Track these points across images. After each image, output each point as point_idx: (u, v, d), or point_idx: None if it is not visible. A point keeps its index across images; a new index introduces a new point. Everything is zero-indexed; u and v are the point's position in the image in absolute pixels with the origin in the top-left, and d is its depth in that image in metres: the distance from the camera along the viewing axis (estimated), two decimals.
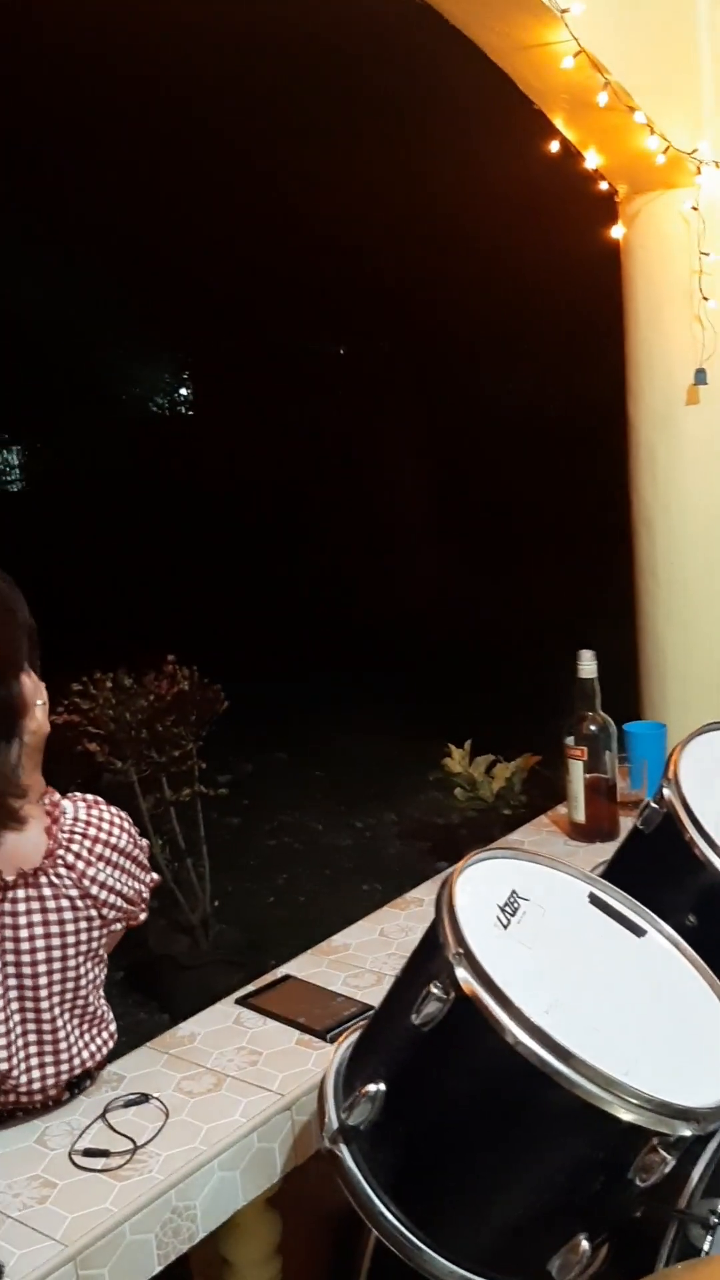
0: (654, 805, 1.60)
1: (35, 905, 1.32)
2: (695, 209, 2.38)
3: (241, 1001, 1.63)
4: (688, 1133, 1.09)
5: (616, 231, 2.52)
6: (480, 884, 1.25)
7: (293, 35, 6.55)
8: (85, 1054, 1.40)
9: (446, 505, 9.11)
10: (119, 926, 1.41)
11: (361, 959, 1.75)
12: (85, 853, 1.34)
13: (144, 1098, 1.40)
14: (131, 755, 3.55)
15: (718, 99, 2.35)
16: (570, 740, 2.17)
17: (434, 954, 1.16)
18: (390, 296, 9.64)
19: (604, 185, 2.49)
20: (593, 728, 2.16)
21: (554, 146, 2.28)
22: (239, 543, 10.42)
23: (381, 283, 9.46)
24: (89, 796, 1.40)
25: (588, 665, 2.15)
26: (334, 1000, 1.61)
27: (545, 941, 1.23)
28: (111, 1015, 1.46)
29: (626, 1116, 1.08)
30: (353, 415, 10.91)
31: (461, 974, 1.10)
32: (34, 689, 1.35)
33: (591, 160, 2.34)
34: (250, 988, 1.67)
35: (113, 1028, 1.45)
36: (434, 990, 1.12)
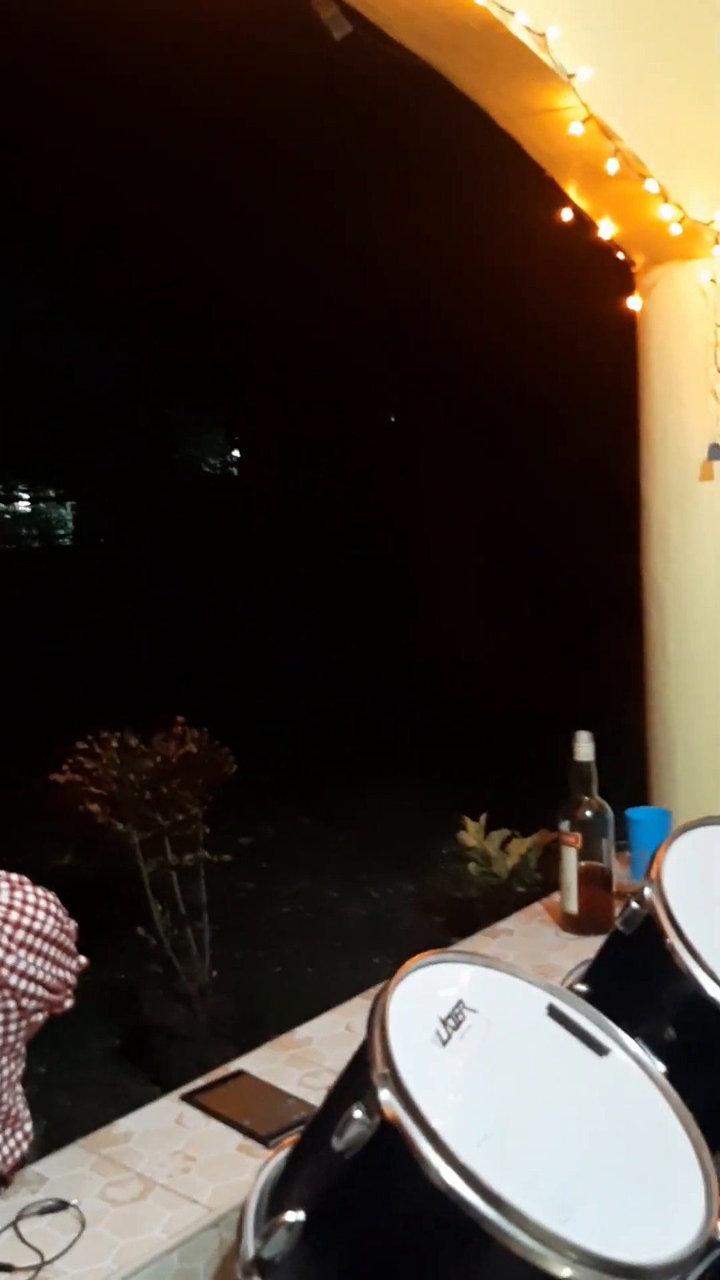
0: (635, 905, 1.49)
1: None
2: (714, 281, 2.31)
3: (187, 1098, 1.53)
4: None
5: (634, 303, 2.46)
6: (424, 991, 1.15)
7: (354, 113, 6.65)
8: None
9: (483, 577, 9.07)
10: (39, 1017, 1.32)
11: (322, 1056, 1.64)
12: (5, 939, 1.26)
13: (62, 1205, 1.30)
14: (133, 817, 3.48)
15: None
16: (565, 826, 2.06)
17: (360, 1071, 1.06)
18: (435, 367, 9.71)
19: (621, 256, 2.44)
20: (588, 813, 2.05)
21: (566, 216, 2.24)
22: (277, 606, 10.44)
23: (429, 354, 9.54)
24: (12, 876, 1.33)
25: (585, 747, 2.05)
26: (285, 1102, 1.51)
27: (489, 1060, 1.12)
28: (28, 1114, 1.36)
29: (565, 1273, 0.96)
30: (385, 489, 10.97)
31: (385, 1097, 1.00)
32: None
33: (606, 230, 2.29)
34: (199, 1082, 1.57)
35: (28, 1128, 1.35)
36: (356, 1114, 1.02)
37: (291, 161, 8.13)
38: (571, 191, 2.20)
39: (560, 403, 8.41)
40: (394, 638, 8.94)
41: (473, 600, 8.81)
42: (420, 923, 4.94)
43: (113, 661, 9.28)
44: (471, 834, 4.16)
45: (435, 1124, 0.98)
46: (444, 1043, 1.10)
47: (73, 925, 1.35)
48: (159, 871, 3.61)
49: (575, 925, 2.07)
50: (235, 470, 19.86)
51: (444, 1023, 1.12)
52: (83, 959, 1.37)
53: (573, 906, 2.06)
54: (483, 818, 4.22)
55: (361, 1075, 1.05)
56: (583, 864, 2.06)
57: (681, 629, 2.42)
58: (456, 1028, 1.12)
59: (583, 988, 1.49)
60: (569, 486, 8.74)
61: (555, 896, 2.19)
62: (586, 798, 2.05)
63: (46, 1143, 2.42)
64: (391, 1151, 1.00)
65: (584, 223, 2.31)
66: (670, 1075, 1.31)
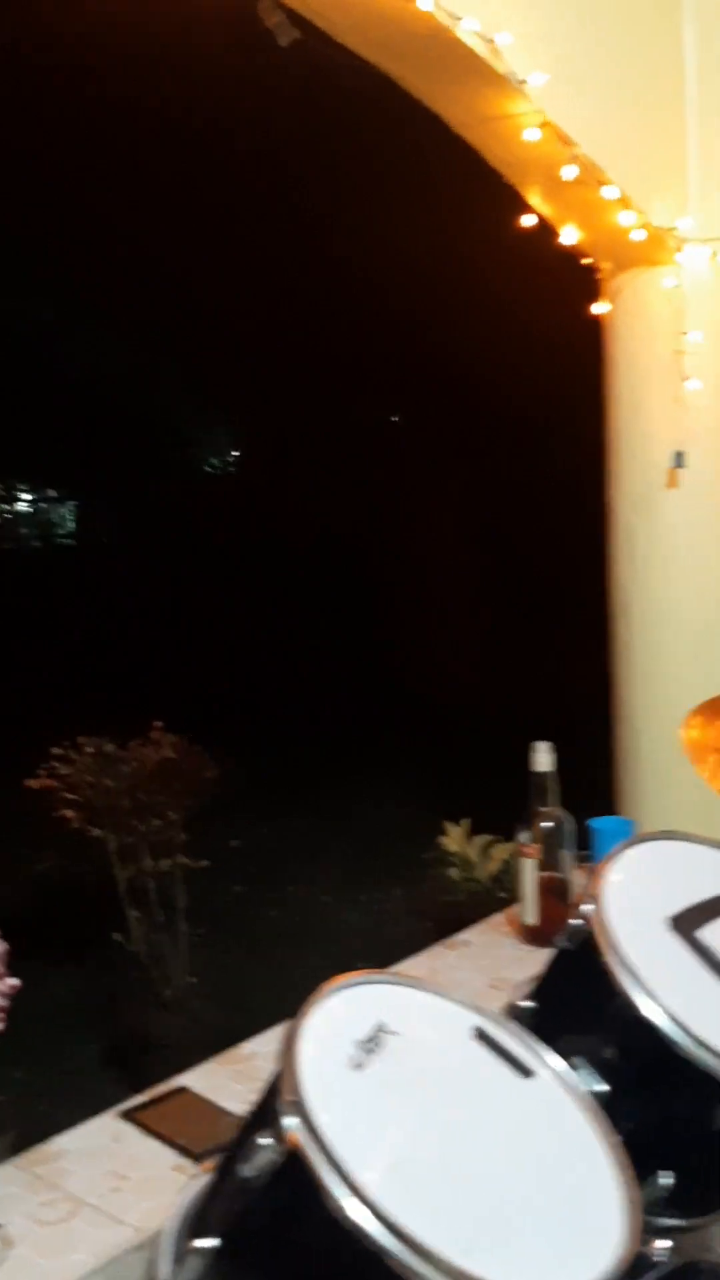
0: (574, 921, 1.47)
1: None
2: (678, 287, 2.30)
3: (126, 1115, 1.51)
4: None
5: (600, 308, 2.44)
6: (342, 1014, 1.14)
7: (351, 116, 6.63)
8: None
9: (470, 583, 9.07)
10: None
11: (268, 1071, 1.62)
12: None
13: None
14: (110, 823, 3.47)
15: (704, 174, 2.28)
16: (524, 837, 2.05)
17: (271, 1097, 1.05)
18: (412, 371, 9.72)
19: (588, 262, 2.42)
20: (547, 824, 2.04)
21: (528, 222, 2.22)
22: (274, 609, 10.43)
23: (408, 358, 9.55)
24: None
25: (543, 758, 2.04)
26: (224, 1119, 1.49)
27: (405, 1084, 1.10)
28: None
29: None
30: (375, 495, 10.99)
31: (289, 1123, 0.99)
32: None
33: (569, 236, 2.27)
34: (140, 1099, 1.55)
35: None
36: (264, 1141, 1.00)
37: (284, 168, 8.14)
38: (533, 198, 2.18)
39: (536, 409, 8.40)
40: (385, 643, 8.93)
41: (462, 606, 8.81)
42: (408, 927, 4.92)
43: (116, 662, 9.27)
44: (454, 839, 4.14)
45: (340, 1152, 0.97)
46: (359, 1067, 1.09)
47: (2, 947, 1.34)
48: (137, 877, 3.60)
49: (534, 937, 2.06)
50: (237, 471, 19.83)
51: (360, 1046, 1.11)
52: (14, 980, 1.36)
53: (531, 918, 2.05)
54: (465, 823, 4.20)
55: (271, 1101, 1.04)
56: (542, 875, 2.05)
57: (648, 636, 2.41)
58: (373, 1051, 1.11)
59: (528, 1004, 1.47)
60: (544, 491, 8.73)
61: (517, 907, 2.17)
62: (545, 808, 2.04)
63: (15, 1151, 2.39)
64: (297, 1180, 0.98)
65: (548, 229, 2.29)
66: (610, 1095, 1.30)
